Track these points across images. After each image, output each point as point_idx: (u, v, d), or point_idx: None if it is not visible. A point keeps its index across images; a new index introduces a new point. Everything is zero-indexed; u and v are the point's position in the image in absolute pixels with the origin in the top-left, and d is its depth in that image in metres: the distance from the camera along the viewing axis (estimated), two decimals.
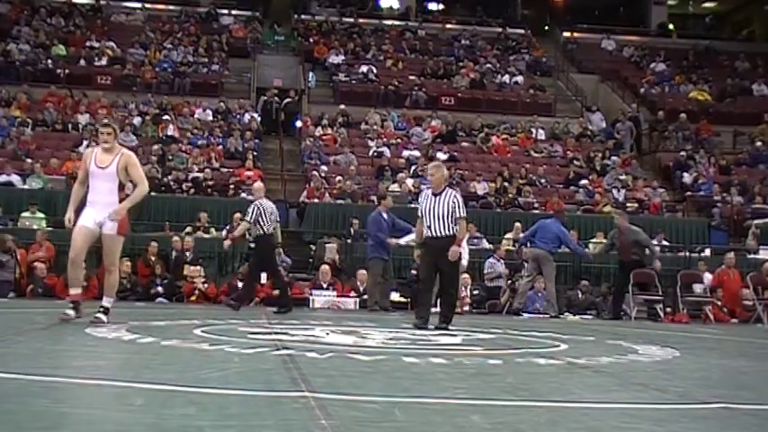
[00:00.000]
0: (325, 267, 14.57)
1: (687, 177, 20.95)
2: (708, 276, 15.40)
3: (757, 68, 27.93)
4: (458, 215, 8.82)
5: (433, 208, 8.83)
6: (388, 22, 30.45)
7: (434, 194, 8.93)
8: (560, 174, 20.70)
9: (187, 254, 14.58)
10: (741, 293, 15.00)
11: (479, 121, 22.84)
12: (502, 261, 15.55)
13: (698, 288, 15.22)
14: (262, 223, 11.60)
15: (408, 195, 18.30)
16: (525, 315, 14.29)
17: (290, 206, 18.42)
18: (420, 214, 9.03)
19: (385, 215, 13.76)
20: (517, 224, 16.86)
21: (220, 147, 19.96)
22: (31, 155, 18.15)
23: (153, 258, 14.59)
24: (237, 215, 16.09)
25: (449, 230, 8.79)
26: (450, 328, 8.71)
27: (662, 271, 15.37)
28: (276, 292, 12.70)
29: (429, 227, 8.86)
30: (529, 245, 14.54)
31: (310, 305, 13.89)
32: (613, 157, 21.32)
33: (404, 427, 3.38)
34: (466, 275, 14.92)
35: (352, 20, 29.34)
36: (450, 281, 9.11)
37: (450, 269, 8.96)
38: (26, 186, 17.03)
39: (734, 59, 28.68)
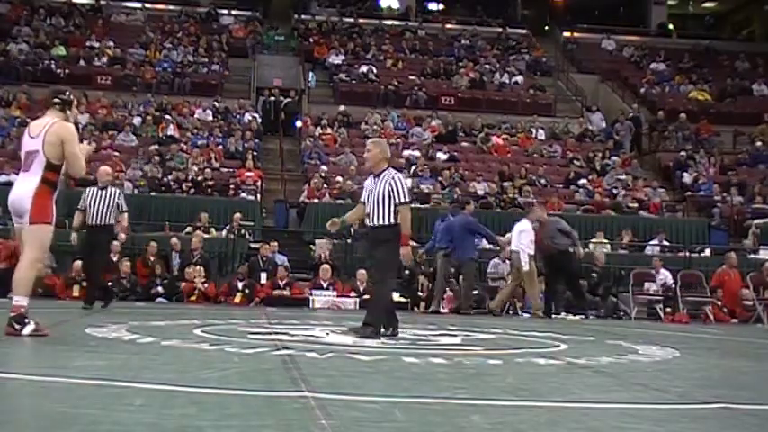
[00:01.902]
0: (325, 267, 14.58)
1: (687, 177, 20.95)
2: (665, 273, 15.29)
3: (757, 68, 27.93)
4: (397, 201, 7.29)
5: (372, 192, 7.41)
6: (388, 22, 30.45)
7: (375, 176, 7.51)
8: (560, 174, 20.71)
9: (194, 253, 14.57)
10: (741, 293, 14.99)
11: (479, 121, 22.85)
12: (508, 262, 15.53)
13: (652, 287, 15.14)
14: (89, 211, 10.72)
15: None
16: (525, 315, 14.29)
17: (290, 206, 18.43)
18: (362, 200, 7.67)
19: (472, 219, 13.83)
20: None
21: (220, 147, 19.96)
22: None
23: (152, 258, 14.57)
24: (237, 215, 16.15)
25: (386, 219, 7.30)
26: (374, 335, 7.18)
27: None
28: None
29: (368, 214, 7.45)
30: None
31: (310, 305, 13.89)
32: (613, 157, 21.33)
33: (404, 427, 3.38)
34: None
35: (352, 20, 29.35)
36: (379, 278, 7.63)
37: (381, 264, 7.48)
38: None
39: (734, 59, 28.68)
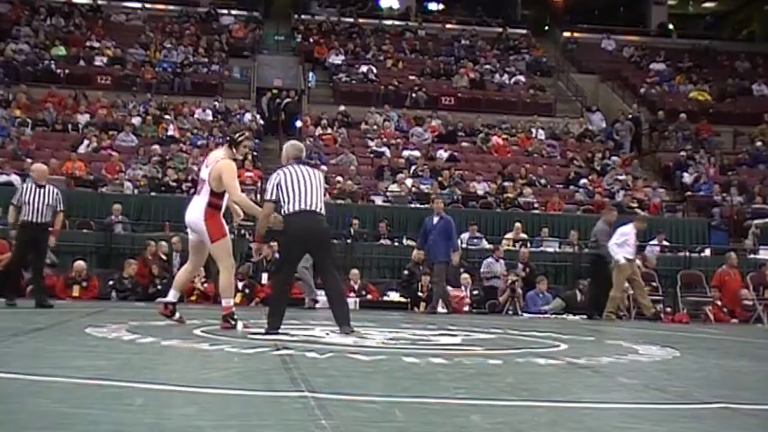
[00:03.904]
0: None
1: (687, 177, 20.96)
2: None
3: (757, 68, 27.95)
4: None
5: None
6: (388, 22, 30.48)
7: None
8: (560, 174, 20.71)
9: None
10: (740, 294, 14.99)
11: (479, 121, 22.85)
12: (501, 261, 15.54)
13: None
14: (26, 208, 10.48)
15: (408, 195, 18.33)
16: (525, 315, 14.30)
17: None
18: None
19: (435, 219, 13.75)
20: (517, 224, 16.87)
21: None
22: (30, 155, 18.15)
23: (151, 258, 14.55)
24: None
25: None
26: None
27: (660, 271, 15.44)
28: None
29: None
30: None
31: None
32: (613, 157, 21.34)
33: (404, 427, 3.38)
34: (466, 276, 14.94)
35: (352, 20, 29.36)
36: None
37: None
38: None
39: (734, 59, 28.70)
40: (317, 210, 7.33)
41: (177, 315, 8.00)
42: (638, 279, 13.48)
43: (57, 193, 10.75)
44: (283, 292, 7.61)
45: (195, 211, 7.68)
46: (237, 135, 7.88)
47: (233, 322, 7.62)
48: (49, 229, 10.70)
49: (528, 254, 15.74)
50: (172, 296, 8.02)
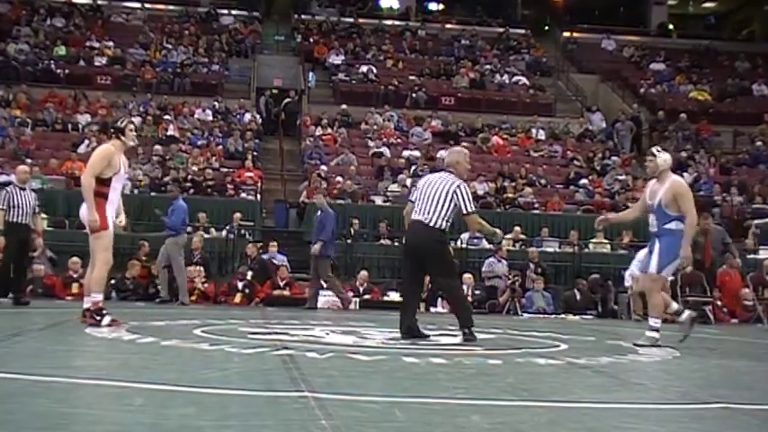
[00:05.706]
0: None
1: (687, 177, 20.89)
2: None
3: (757, 68, 27.96)
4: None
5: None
6: (388, 22, 30.49)
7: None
8: (560, 174, 20.70)
9: (195, 253, 14.52)
10: (741, 293, 14.98)
11: (479, 121, 22.85)
12: (504, 261, 15.52)
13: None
14: (13, 211, 10.69)
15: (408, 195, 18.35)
16: (525, 315, 14.29)
17: (290, 206, 18.42)
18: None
19: (318, 213, 13.81)
20: (516, 228, 16.84)
21: (220, 147, 19.95)
22: (30, 155, 18.16)
23: (145, 258, 14.51)
24: (237, 215, 16.16)
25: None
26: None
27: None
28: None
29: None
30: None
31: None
32: (613, 157, 21.33)
33: (404, 427, 3.38)
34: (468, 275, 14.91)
35: (352, 20, 29.37)
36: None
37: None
38: None
39: (734, 59, 28.71)
40: (425, 220, 7.32)
41: (107, 319, 7.40)
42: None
43: (35, 196, 11.05)
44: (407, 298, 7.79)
45: (84, 204, 7.52)
46: (119, 122, 7.80)
47: (98, 318, 7.33)
48: (33, 228, 10.93)
49: (538, 254, 15.70)
50: (86, 302, 7.54)
